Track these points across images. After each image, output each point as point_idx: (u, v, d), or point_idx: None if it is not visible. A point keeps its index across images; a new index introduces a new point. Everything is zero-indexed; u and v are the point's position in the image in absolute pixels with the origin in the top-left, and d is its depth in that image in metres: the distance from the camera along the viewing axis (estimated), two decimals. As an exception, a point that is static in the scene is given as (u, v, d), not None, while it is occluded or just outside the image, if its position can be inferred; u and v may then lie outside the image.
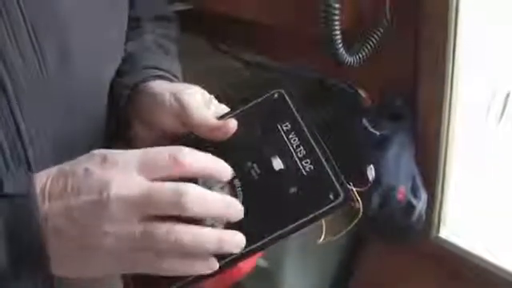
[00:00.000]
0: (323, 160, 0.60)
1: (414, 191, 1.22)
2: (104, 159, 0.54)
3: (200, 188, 0.55)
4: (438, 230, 1.25)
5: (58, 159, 0.58)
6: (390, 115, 1.22)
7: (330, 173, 0.59)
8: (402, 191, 1.20)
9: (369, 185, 0.62)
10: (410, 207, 1.21)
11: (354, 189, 0.59)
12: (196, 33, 0.88)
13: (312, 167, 0.60)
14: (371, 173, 0.64)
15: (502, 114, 1.12)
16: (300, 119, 0.64)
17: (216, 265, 0.55)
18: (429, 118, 1.18)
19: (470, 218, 1.25)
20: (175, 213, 0.53)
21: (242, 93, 1.22)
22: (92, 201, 0.52)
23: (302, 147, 0.62)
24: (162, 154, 0.55)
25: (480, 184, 1.22)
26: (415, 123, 1.21)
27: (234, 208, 0.57)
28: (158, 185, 0.53)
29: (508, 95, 1.10)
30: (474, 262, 1.19)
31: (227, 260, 0.57)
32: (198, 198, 0.53)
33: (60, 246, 0.53)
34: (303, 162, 0.61)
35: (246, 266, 0.63)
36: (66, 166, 0.55)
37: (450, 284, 1.22)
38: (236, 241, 0.55)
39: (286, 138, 0.63)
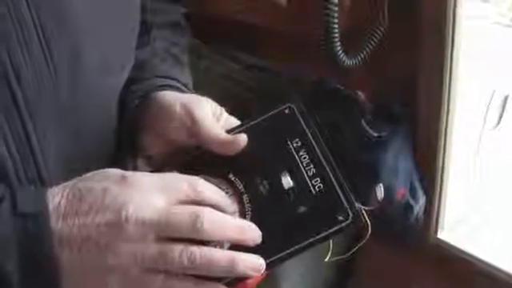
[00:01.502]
0: (333, 179, 0.59)
1: (413, 192, 1.22)
2: (122, 178, 0.54)
3: (217, 212, 0.55)
4: (436, 232, 1.25)
5: (70, 172, 0.57)
6: (389, 117, 1.22)
7: (340, 193, 0.59)
8: (401, 192, 1.20)
9: (378, 204, 0.61)
10: (409, 208, 1.21)
11: (363, 207, 0.58)
12: (194, 36, 0.86)
13: (321, 186, 0.59)
14: (380, 192, 0.64)
15: (500, 116, 1.12)
16: (310, 136, 0.63)
17: None
18: (427, 119, 1.18)
19: (469, 219, 1.25)
20: (192, 236, 0.53)
21: (242, 96, 1.21)
22: (109, 220, 0.52)
23: (312, 165, 0.61)
24: (181, 181, 0.56)
25: (478, 186, 1.23)
26: (414, 125, 1.21)
27: (251, 233, 0.56)
28: (176, 208, 0.54)
29: (506, 98, 1.11)
30: (473, 264, 1.19)
31: (232, 278, 0.56)
32: (215, 222, 0.53)
33: (74, 265, 0.52)
34: (313, 181, 0.60)
35: (252, 282, 0.63)
36: (82, 183, 0.55)
37: (448, 285, 1.22)
38: (251, 263, 0.55)
39: (296, 155, 0.62)
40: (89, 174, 0.56)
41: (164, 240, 0.53)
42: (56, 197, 0.53)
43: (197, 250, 0.53)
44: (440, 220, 1.24)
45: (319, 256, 1.30)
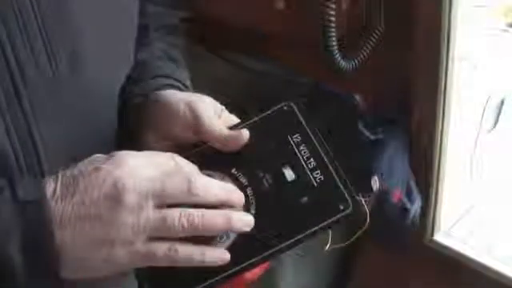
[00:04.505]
0: (333, 171, 0.62)
1: (409, 194, 1.23)
2: (110, 156, 0.56)
3: (205, 176, 0.58)
4: (432, 233, 1.26)
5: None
6: (385, 119, 1.24)
7: (340, 184, 0.61)
8: (397, 194, 1.22)
9: (372, 194, 0.63)
10: (405, 210, 1.22)
11: (362, 199, 0.60)
12: (194, 39, 0.87)
13: (322, 178, 0.62)
14: (376, 183, 0.65)
15: (497, 119, 1.14)
16: (309, 131, 0.65)
17: (227, 255, 0.57)
18: (423, 121, 1.20)
19: (465, 221, 1.26)
20: (186, 199, 0.55)
21: (240, 99, 1.22)
22: (107, 194, 0.53)
23: (312, 159, 0.63)
24: (162, 155, 0.59)
25: (474, 188, 1.24)
26: (409, 127, 1.22)
27: (235, 194, 0.60)
28: (168, 174, 0.56)
29: (502, 101, 1.12)
30: (469, 265, 1.20)
31: (238, 268, 0.58)
32: (205, 184, 0.57)
33: (78, 244, 0.53)
34: (314, 174, 0.62)
35: (254, 272, 0.65)
36: (73, 170, 0.56)
37: (444, 286, 1.23)
38: (244, 219, 0.58)
39: (296, 150, 0.64)
40: (77, 164, 0.57)
41: (161, 207, 0.55)
42: (51, 184, 0.55)
43: (194, 212, 0.55)
44: (436, 222, 1.25)
45: (317, 257, 1.31)
